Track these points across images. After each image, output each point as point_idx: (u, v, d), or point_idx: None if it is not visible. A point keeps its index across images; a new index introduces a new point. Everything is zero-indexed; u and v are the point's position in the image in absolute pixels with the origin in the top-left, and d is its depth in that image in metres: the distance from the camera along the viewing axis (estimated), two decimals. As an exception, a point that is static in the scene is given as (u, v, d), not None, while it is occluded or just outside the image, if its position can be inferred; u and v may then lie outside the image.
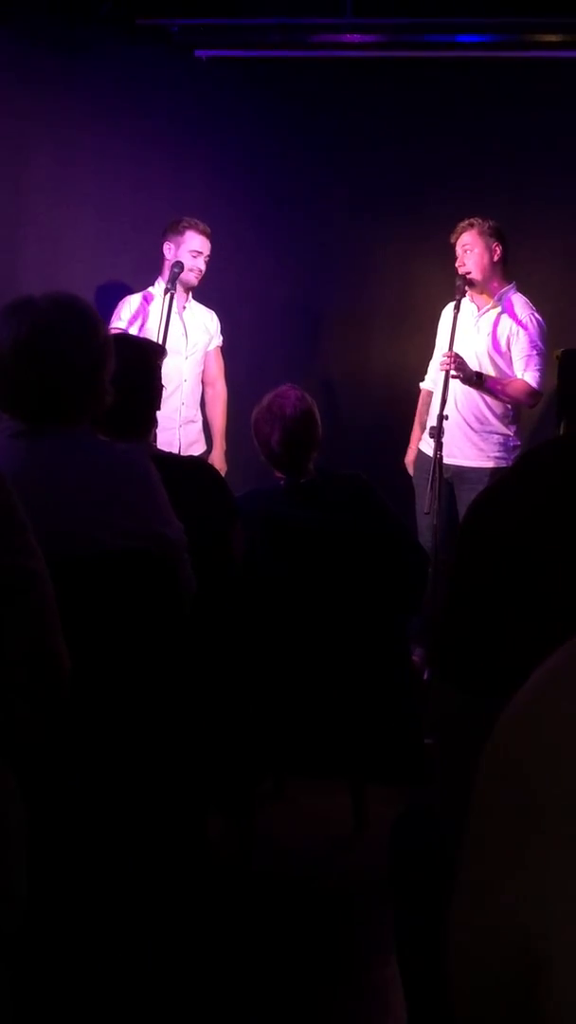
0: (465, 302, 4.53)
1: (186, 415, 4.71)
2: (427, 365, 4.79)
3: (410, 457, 4.80)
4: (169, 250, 4.69)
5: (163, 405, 4.56)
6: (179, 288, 4.60)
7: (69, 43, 4.90)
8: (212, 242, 4.86)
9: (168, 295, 4.47)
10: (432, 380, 4.74)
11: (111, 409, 2.57)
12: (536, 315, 4.57)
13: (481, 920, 0.68)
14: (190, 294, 4.73)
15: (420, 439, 4.74)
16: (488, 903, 0.67)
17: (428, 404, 4.74)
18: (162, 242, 4.71)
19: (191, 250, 4.65)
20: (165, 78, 5.17)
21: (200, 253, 4.66)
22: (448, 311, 4.63)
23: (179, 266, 4.56)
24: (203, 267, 4.67)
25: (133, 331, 4.55)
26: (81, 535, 2.09)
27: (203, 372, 4.86)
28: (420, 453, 4.69)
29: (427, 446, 4.57)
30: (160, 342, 4.12)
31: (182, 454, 4.57)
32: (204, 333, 4.79)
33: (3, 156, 4.74)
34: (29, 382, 2.13)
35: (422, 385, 4.82)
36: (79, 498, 2.12)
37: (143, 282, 4.78)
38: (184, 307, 4.71)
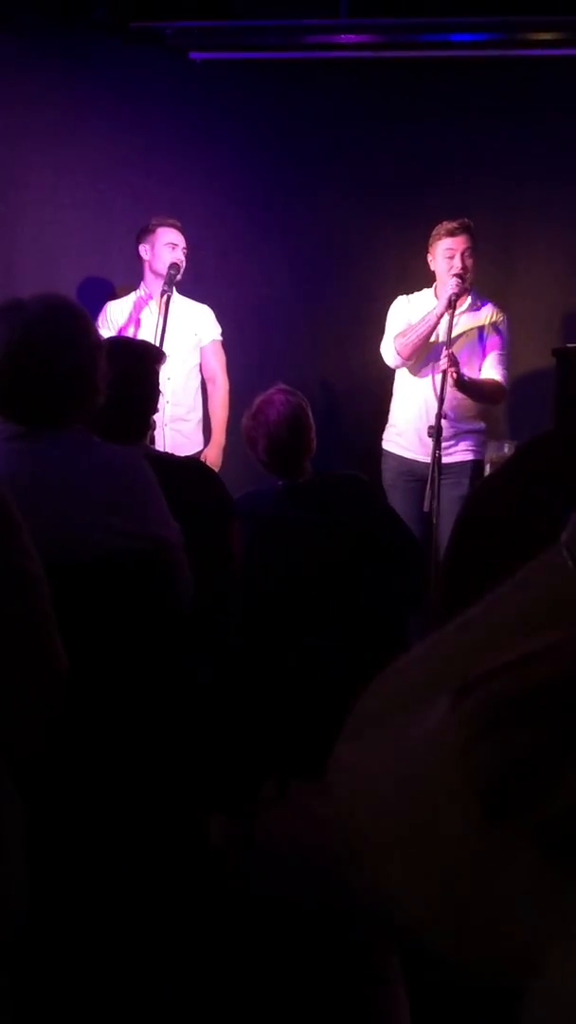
0: (428, 298, 4.56)
1: (173, 414, 4.60)
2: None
3: None
4: (146, 251, 4.68)
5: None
6: (160, 285, 4.58)
7: (63, 47, 4.90)
8: (208, 243, 4.85)
9: (165, 297, 4.45)
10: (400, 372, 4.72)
11: (107, 411, 2.57)
12: (504, 314, 4.61)
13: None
14: (174, 290, 4.66)
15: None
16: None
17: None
18: (136, 248, 4.71)
19: (167, 243, 4.63)
20: (159, 81, 5.16)
21: (176, 244, 4.64)
22: (402, 302, 4.67)
23: (175, 268, 4.55)
24: (182, 258, 4.63)
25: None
26: (78, 536, 2.08)
27: (202, 368, 4.83)
28: (389, 454, 4.71)
29: (395, 447, 4.68)
30: (159, 345, 4.11)
31: (172, 453, 4.54)
32: (188, 329, 4.73)
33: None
34: (23, 385, 2.12)
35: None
36: (75, 500, 2.11)
37: (139, 284, 4.77)
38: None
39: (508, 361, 4.61)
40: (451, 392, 4.45)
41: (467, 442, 4.65)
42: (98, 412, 2.50)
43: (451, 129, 5.18)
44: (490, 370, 4.57)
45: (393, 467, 4.69)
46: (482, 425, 4.70)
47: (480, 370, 4.59)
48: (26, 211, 4.90)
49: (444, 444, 4.53)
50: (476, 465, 4.62)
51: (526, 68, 5.05)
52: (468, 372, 4.52)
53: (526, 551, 0.88)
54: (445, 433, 4.52)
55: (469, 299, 4.59)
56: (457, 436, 4.61)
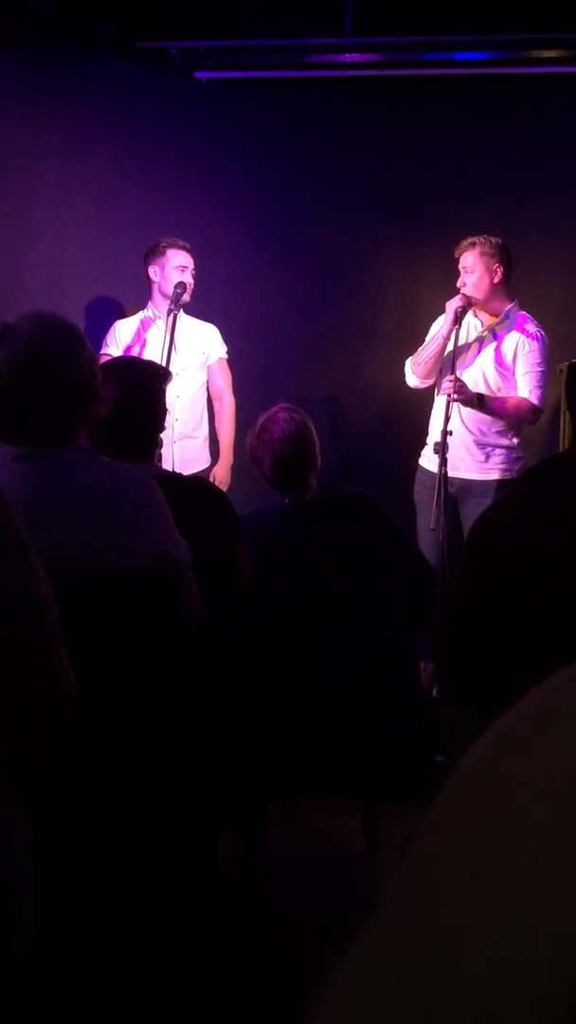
0: (469, 317, 4.54)
1: (181, 431, 4.67)
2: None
3: None
4: (155, 273, 4.71)
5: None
6: (167, 305, 4.60)
7: (70, 66, 4.93)
8: (214, 261, 4.86)
9: (172, 317, 4.47)
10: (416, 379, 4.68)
11: (114, 431, 2.58)
12: (541, 331, 4.56)
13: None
14: (181, 310, 4.69)
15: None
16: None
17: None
18: (145, 268, 4.73)
19: (177, 266, 4.66)
20: (165, 100, 5.19)
21: (185, 267, 4.68)
22: (441, 320, 4.64)
23: (181, 287, 4.57)
24: (191, 280, 4.68)
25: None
26: (85, 555, 2.09)
27: (209, 386, 4.86)
28: (421, 469, 4.67)
29: (428, 462, 4.57)
30: (164, 365, 4.13)
31: (178, 472, 4.56)
32: (196, 348, 4.77)
33: (5, 177, 4.76)
34: (26, 408, 2.13)
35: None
36: (82, 518, 2.12)
37: (144, 303, 4.79)
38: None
39: (542, 378, 4.50)
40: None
41: (497, 459, 4.55)
42: (106, 431, 2.51)
43: (456, 147, 5.20)
44: (522, 387, 4.51)
45: (422, 481, 4.62)
46: (515, 441, 4.58)
47: (516, 386, 4.52)
48: (33, 230, 4.92)
49: (473, 459, 4.52)
50: (503, 485, 4.44)
51: (530, 86, 5.07)
52: (508, 388, 4.51)
53: (535, 573, 0.88)
54: (470, 447, 4.52)
55: (499, 316, 4.58)
56: (484, 450, 4.54)
